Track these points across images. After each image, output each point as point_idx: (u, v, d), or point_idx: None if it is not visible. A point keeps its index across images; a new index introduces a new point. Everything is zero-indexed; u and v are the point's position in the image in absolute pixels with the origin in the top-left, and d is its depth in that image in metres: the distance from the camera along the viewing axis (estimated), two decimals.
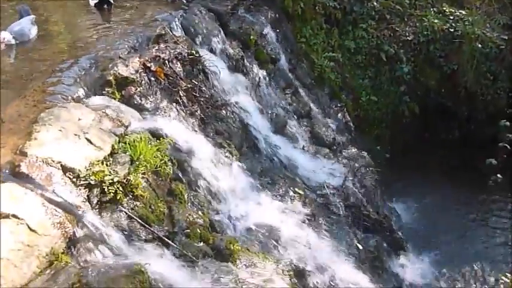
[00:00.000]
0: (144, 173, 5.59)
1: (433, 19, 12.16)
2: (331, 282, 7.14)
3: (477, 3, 12.52)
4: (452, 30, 12.05)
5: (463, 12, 12.35)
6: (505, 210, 11.03)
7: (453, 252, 9.94)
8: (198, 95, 7.37)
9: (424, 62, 12.22)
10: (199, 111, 7.29)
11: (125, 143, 5.66)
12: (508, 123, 8.96)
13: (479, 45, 11.78)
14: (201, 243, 5.87)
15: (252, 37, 9.32)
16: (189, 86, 7.25)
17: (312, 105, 10.35)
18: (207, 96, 7.62)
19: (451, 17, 12.30)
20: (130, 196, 5.35)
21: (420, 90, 12.20)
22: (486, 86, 12.01)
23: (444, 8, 12.52)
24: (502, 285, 3.81)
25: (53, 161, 4.76)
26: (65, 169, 4.80)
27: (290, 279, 6.28)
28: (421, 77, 12.20)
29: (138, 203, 5.39)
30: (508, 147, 9.77)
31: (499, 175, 10.01)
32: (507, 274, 3.83)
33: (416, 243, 9.97)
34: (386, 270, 8.82)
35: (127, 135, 5.79)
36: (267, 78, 9.47)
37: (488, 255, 9.81)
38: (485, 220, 10.86)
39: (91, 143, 5.27)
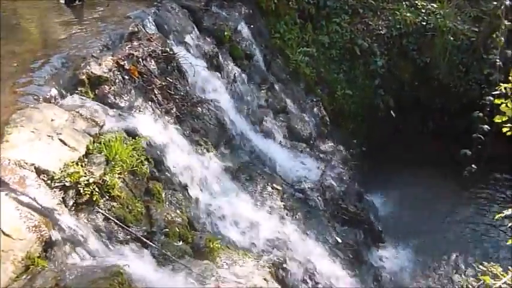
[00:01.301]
0: (120, 173, 5.51)
1: (406, 13, 12.26)
2: (311, 276, 7.17)
3: None
4: (424, 23, 12.16)
5: (435, 6, 12.47)
6: (480, 199, 11.21)
7: (430, 242, 10.07)
8: (173, 92, 7.30)
9: (398, 55, 12.31)
10: (174, 109, 7.22)
11: (100, 143, 5.59)
12: (481, 114, 9.06)
13: (451, 38, 11.92)
14: (181, 242, 5.84)
15: (226, 33, 9.26)
16: (163, 83, 7.17)
17: (287, 100, 10.35)
18: (182, 93, 7.55)
19: (423, 11, 12.41)
20: (107, 197, 5.28)
21: (394, 84, 12.29)
22: (459, 77, 12.16)
23: (416, 2, 12.62)
24: (478, 274, 3.85)
25: (26, 164, 4.67)
26: (38, 171, 4.71)
27: (270, 275, 6.28)
28: (395, 70, 12.29)
29: (115, 204, 5.33)
30: (482, 138, 9.93)
31: (473, 165, 10.18)
32: (483, 262, 3.87)
33: (394, 234, 10.08)
34: (365, 262, 8.90)
35: (102, 135, 5.71)
36: (242, 74, 9.43)
37: (464, 244, 9.97)
38: (461, 210, 11.02)
39: (65, 144, 5.18)
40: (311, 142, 10.14)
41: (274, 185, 8.06)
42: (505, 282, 3.47)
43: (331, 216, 8.77)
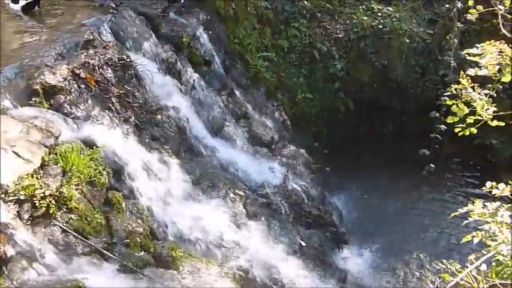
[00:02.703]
0: (77, 184, 5.39)
1: (362, 16, 12.45)
2: (276, 281, 7.16)
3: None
4: (381, 26, 12.37)
5: (390, 9, 12.71)
6: (439, 198, 11.44)
7: (393, 242, 10.22)
8: (131, 100, 7.21)
9: (356, 58, 12.49)
10: (133, 117, 7.12)
11: (56, 154, 5.45)
12: (437, 114, 9.28)
13: (407, 40, 12.17)
14: (142, 252, 5.73)
15: (184, 40, 9.20)
16: (121, 92, 7.07)
17: (248, 105, 10.35)
18: (141, 101, 7.46)
19: (379, 14, 12.63)
20: (64, 209, 5.15)
21: (354, 86, 12.46)
22: (415, 79, 12.44)
23: (372, 5, 12.84)
24: (442, 271, 3.91)
25: None
26: None
27: (235, 281, 6.24)
28: (354, 73, 12.46)
29: (73, 216, 5.20)
30: (439, 137, 10.16)
31: (432, 165, 10.40)
32: (442, 260, 3.95)
33: (358, 235, 10.17)
34: (330, 264, 8.94)
35: (58, 145, 5.57)
36: (202, 81, 9.37)
37: (426, 242, 10.14)
38: (422, 209, 11.23)
39: (19, 156, 5.04)
40: (273, 147, 10.16)
41: (236, 190, 8.03)
42: (462, 279, 3.53)
43: (295, 219, 8.80)
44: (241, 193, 8.12)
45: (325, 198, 10.29)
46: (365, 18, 12.41)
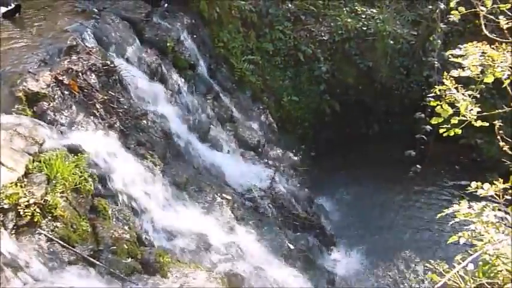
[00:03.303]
0: (62, 192, 5.35)
1: (347, 18, 12.49)
2: (265, 285, 7.14)
3: (386, 1, 12.97)
4: (365, 28, 12.42)
5: (374, 11, 12.77)
6: (426, 198, 11.48)
7: (382, 243, 10.24)
8: (116, 106, 7.16)
9: (341, 60, 12.52)
10: (118, 123, 7.07)
11: (40, 161, 5.40)
12: (422, 115, 9.33)
13: (391, 42, 12.23)
14: (129, 259, 5.70)
15: (168, 44, 9.16)
16: (105, 97, 7.02)
17: (234, 109, 10.34)
18: (125, 107, 7.41)
19: (363, 16, 12.69)
20: (50, 217, 5.11)
21: (339, 88, 12.48)
22: (400, 80, 12.49)
23: (356, 7, 12.88)
24: (429, 272, 3.92)
25: None
26: None
27: (223, 286, 6.22)
28: (339, 75, 12.48)
29: (58, 224, 5.15)
30: (425, 138, 10.22)
31: (418, 165, 10.46)
32: (431, 261, 3.96)
33: (346, 237, 10.18)
34: (318, 266, 8.94)
35: (42, 153, 5.52)
36: (187, 85, 9.33)
37: (413, 243, 10.17)
38: (409, 209, 11.26)
39: (2, 164, 4.97)
40: (259, 150, 10.14)
41: (223, 195, 8.01)
42: (449, 279, 3.54)
43: (283, 222, 8.80)
44: (229, 197, 8.10)
45: (312, 200, 10.30)
46: (349, 20, 12.45)
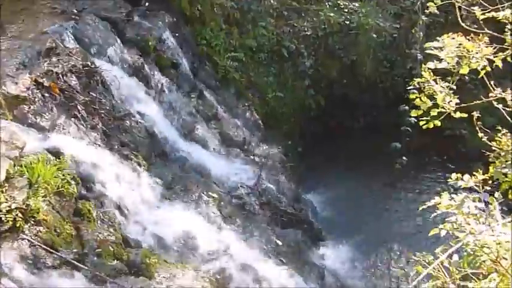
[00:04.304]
0: (45, 196, 5.31)
1: (329, 13, 12.46)
2: (254, 281, 7.14)
3: None
4: (347, 22, 12.40)
5: (356, 5, 12.75)
6: (412, 189, 11.53)
7: (369, 236, 10.25)
8: (98, 107, 7.10)
9: (325, 55, 12.49)
10: (100, 124, 7.02)
11: (21, 165, 5.35)
12: (406, 107, 9.36)
13: (374, 35, 12.23)
14: (115, 261, 5.67)
15: (150, 43, 9.09)
16: (87, 99, 6.97)
17: (218, 106, 10.28)
18: (108, 107, 7.36)
19: (346, 10, 12.66)
20: (32, 222, 5.07)
21: (324, 83, 12.47)
22: (384, 73, 12.52)
23: (338, 2, 12.85)
24: (415, 264, 3.92)
25: None
26: None
27: (211, 285, 6.21)
28: (323, 69, 12.47)
29: (41, 228, 5.12)
30: (409, 130, 10.27)
31: (403, 157, 10.51)
32: (416, 253, 3.96)
33: (334, 232, 10.19)
34: (307, 262, 8.94)
35: (23, 157, 5.47)
36: (170, 84, 9.27)
37: (400, 235, 10.22)
38: (395, 202, 11.30)
39: None
40: (245, 147, 10.11)
41: (210, 193, 7.98)
42: (434, 271, 3.55)
43: (270, 219, 8.78)
44: (215, 195, 8.08)
45: (299, 196, 10.29)
46: (332, 14, 12.43)
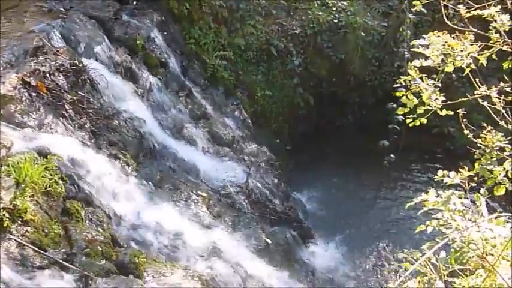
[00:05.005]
0: (32, 196, 5.26)
1: (318, 11, 12.49)
2: (244, 280, 7.14)
3: None
4: (336, 21, 12.45)
5: (345, 3, 12.79)
6: (400, 187, 11.61)
7: (358, 233, 10.33)
8: (85, 106, 7.06)
9: (314, 53, 12.53)
10: (88, 124, 6.99)
11: (8, 165, 5.30)
12: (395, 105, 9.39)
13: (363, 34, 12.27)
14: (104, 261, 5.63)
15: (138, 42, 9.05)
16: (75, 98, 6.92)
17: (207, 105, 10.27)
18: (96, 107, 7.32)
19: (334, 9, 12.70)
20: (19, 222, 5.02)
21: (312, 81, 12.51)
22: (372, 71, 12.57)
23: (327, 0, 12.89)
24: (404, 261, 3.96)
25: None
26: None
27: (201, 284, 6.19)
28: (312, 68, 12.50)
29: (28, 228, 5.07)
30: (398, 128, 10.31)
31: (392, 155, 10.56)
32: (404, 250, 4.00)
33: (323, 230, 10.23)
34: (297, 260, 8.97)
35: (10, 157, 5.42)
36: (159, 83, 9.24)
37: (389, 232, 10.28)
38: (384, 199, 11.37)
39: None
40: (234, 146, 10.10)
41: (199, 192, 7.98)
42: (420, 265, 3.57)
43: (259, 217, 8.79)
44: (204, 194, 8.07)
45: (289, 194, 10.32)
46: (320, 13, 12.46)
